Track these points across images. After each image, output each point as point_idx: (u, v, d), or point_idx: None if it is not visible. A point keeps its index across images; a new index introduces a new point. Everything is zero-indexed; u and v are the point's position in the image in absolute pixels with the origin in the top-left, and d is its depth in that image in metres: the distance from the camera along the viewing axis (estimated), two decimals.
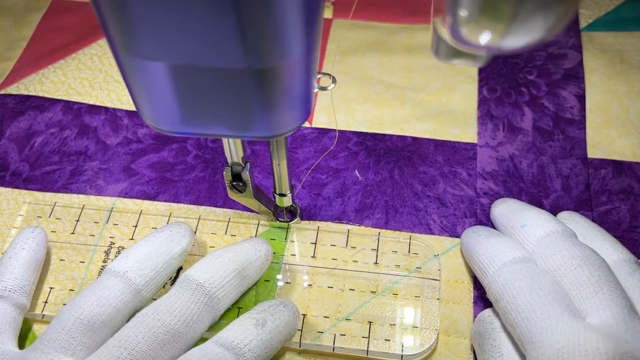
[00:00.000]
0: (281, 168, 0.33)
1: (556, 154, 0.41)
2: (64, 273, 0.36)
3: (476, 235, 0.33)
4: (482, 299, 0.35)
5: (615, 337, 0.26)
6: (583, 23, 0.49)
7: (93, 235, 0.37)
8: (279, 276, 0.35)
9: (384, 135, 0.42)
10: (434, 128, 0.42)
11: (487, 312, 0.32)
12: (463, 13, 0.20)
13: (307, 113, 0.25)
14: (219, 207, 0.38)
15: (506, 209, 0.35)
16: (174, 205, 0.38)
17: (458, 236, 0.37)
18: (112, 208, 0.38)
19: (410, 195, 0.39)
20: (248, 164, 0.32)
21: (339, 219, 0.38)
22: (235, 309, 0.33)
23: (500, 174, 0.40)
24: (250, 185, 0.32)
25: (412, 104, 0.44)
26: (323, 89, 0.30)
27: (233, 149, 0.30)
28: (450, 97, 0.44)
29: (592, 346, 0.25)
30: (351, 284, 0.35)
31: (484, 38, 0.21)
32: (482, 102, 0.44)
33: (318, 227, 0.37)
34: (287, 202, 0.35)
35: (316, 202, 0.38)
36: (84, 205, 0.38)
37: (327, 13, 0.50)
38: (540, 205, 0.38)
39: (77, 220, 0.37)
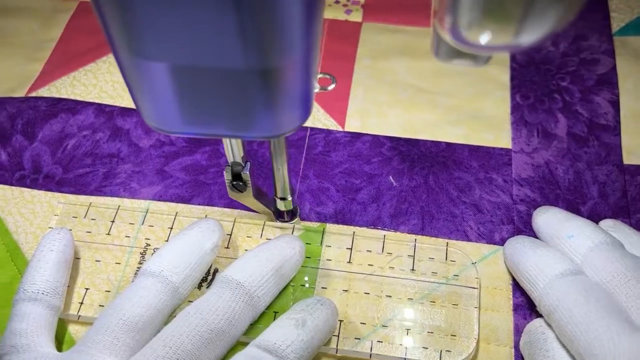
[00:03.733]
0: (282, 171, 0.33)
1: (592, 160, 0.41)
2: (99, 275, 0.36)
3: (521, 246, 0.33)
4: (521, 306, 0.34)
5: None
6: (615, 27, 0.48)
7: (128, 237, 0.37)
8: (318, 280, 0.35)
9: (417, 140, 0.42)
10: (467, 133, 0.42)
11: (538, 321, 0.32)
12: (463, 13, 0.20)
13: (307, 113, 0.26)
14: (253, 210, 0.38)
15: (550, 219, 0.35)
16: (208, 208, 0.38)
17: (495, 243, 0.37)
18: (148, 209, 0.38)
19: (446, 201, 0.38)
20: (248, 163, 0.32)
21: (374, 224, 0.37)
22: (272, 312, 0.33)
23: (536, 181, 0.40)
24: (250, 185, 0.32)
25: (444, 109, 0.43)
26: (323, 89, 0.30)
27: (234, 149, 0.30)
28: (482, 103, 0.44)
29: None
30: (388, 290, 0.34)
31: (484, 38, 0.20)
32: (515, 108, 0.44)
33: (354, 232, 0.37)
34: (287, 205, 0.35)
35: (351, 206, 0.38)
36: (119, 206, 0.38)
37: (357, 16, 0.50)
38: (577, 212, 0.38)
39: (112, 222, 0.37)
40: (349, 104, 0.44)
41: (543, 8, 0.19)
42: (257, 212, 0.38)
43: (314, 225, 0.37)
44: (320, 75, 0.30)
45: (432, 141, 0.42)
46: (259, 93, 0.22)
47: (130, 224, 0.37)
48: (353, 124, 0.43)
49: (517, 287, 0.35)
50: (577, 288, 0.29)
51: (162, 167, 0.40)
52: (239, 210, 0.38)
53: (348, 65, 0.46)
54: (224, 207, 0.38)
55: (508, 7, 0.19)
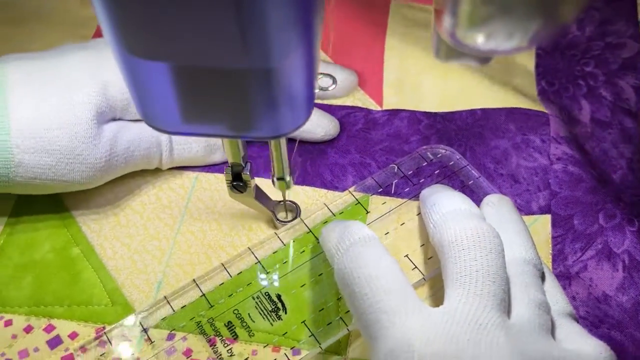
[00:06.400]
0: (280, 148, 0.32)
1: (616, 140, 0.42)
2: (151, 242, 0.37)
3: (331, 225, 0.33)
4: (561, 276, 0.36)
5: (449, 338, 0.25)
6: None
7: (179, 205, 0.38)
8: None
9: (453, 113, 0.43)
10: (504, 97, 0.43)
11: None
12: (462, 17, 0.20)
13: (308, 113, 0.26)
14: (299, 184, 0.40)
15: (428, 191, 0.34)
16: (256, 179, 0.39)
17: (533, 213, 0.38)
18: (196, 179, 0.40)
19: (483, 175, 0.40)
20: (249, 164, 0.32)
21: (415, 196, 0.39)
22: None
23: (574, 139, 0.41)
24: (250, 185, 0.33)
25: (479, 73, 0.44)
26: (324, 89, 0.30)
27: (234, 149, 0.31)
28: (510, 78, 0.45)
29: (420, 348, 0.25)
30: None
31: (483, 42, 0.21)
32: (541, 92, 0.45)
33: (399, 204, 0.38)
34: (287, 186, 0.34)
35: (393, 180, 0.39)
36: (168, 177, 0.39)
37: None
38: (610, 180, 0.39)
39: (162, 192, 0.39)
40: (384, 76, 0.44)
41: (541, 13, 0.19)
42: (257, 212, 0.38)
43: (358, 195, 0.38)
44: (320, 76, 0.30)
45: (468, 111, 0.42)
46: (259, 93, 0.22)
47: (179, 193, 0.39)
48: (390, 101, 0.44)
49: (557, 258, 0.36)
50: (363, 261, 0.29)
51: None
52: None
53: (380, 31, 0.46)
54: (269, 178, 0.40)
55: (507, 12, 0.19)
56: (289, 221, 0.37)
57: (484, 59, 0.24)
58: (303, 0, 0.20)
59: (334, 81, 0.30)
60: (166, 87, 0.22)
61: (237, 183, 0.33)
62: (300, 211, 0.38)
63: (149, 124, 0.25)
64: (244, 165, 0.32)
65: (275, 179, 0.34)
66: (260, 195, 0.35)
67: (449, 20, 0.21)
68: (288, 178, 0.34)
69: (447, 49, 0.23)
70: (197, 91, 0.22)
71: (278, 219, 0.37)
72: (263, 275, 0.35)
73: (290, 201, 0.38)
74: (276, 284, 0.35)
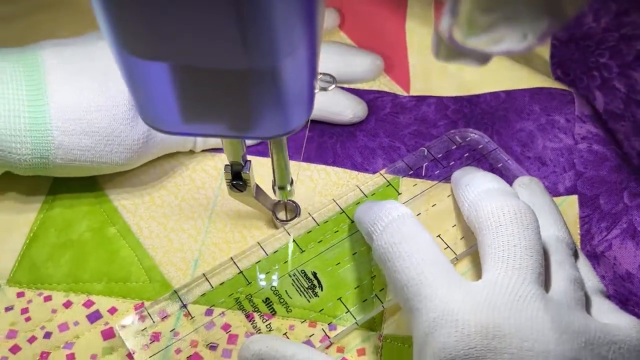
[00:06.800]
0: (282, 158, 0.32)
1: (628, 132, 0.43)
2: (187, 221, 0.37)
3: (366, 205, 0.34)
4: (589, 256, 0.37)
5: (491, 308, 0.26)
6: None
7: (213, 187, 0.39)
8: None
9: (478, 96, 0.43)
10: (527, 77, 0.43)
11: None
12: (463, 19, 0.20)
13: (308, 113, 0.26)
14: (329, 165, 0.40)
15: (460, 173, 0.36)
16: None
17: (560, 194, 0.39)
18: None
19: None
20: (248, 162, 0.32)
21: (446, 179, 0.39)
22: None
23: (599, 118, 0.41)
24: (250, 184, 0.32)
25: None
26: (323, 89, 0.30)
27: (234, 148, 0.30)
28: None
29: (463, 317, 0.26)
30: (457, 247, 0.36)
31: (490, 43, 0.21)
32: (557, 80, 0.46)
33: (430, 186, 0.39)
34: (287, 195, 0.35)
35: (423, 162, 0.40)
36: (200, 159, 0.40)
37: None
38: (630, 163, 0.40)
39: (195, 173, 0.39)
40: (409, 62, 0.45)
41: (546, 13, 0.20)
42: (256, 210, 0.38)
43: (389, 177, 0.39)
44: (320, 75, 0.30)
45: (492, 93, 0.43)
46: (259, 93, 0.22)
47: (212, 175, 0.39)
48: (417, 87, 0.44)
49: (584, 240, 0.37)
50: (401, 237, 0.29)
51: None
52: (314, 165, 0.40)
53: (400, 14, 0.46)
54: (302, 161, 0.40)
55: (511, 19, 0.20)
56: (289, 221, 0.37)
57: (484, 58, 0.24)
58: (303, 1, 0.20)
59: (334, 81, 0.30)
60: (166, 87, 0.22)
61: (237, 182, 0.32)
62: (300, 210, 0.38)
63: (148, 124, 0.25)
64: (243, 164, 0.31)
65: (276, 188, 0.34)
66: (260, 195, 0.35)
67: (448, 21, 0.21)
68: (289, 187, 0.34)
69: (447, 49, 0.23)
70: (197, 91, 0.23)
71: (278, 219, 0.37)
72: (298, 254, 0.36)
73: (290, 201, 0.38)
74: (312, 262, 0.35)
